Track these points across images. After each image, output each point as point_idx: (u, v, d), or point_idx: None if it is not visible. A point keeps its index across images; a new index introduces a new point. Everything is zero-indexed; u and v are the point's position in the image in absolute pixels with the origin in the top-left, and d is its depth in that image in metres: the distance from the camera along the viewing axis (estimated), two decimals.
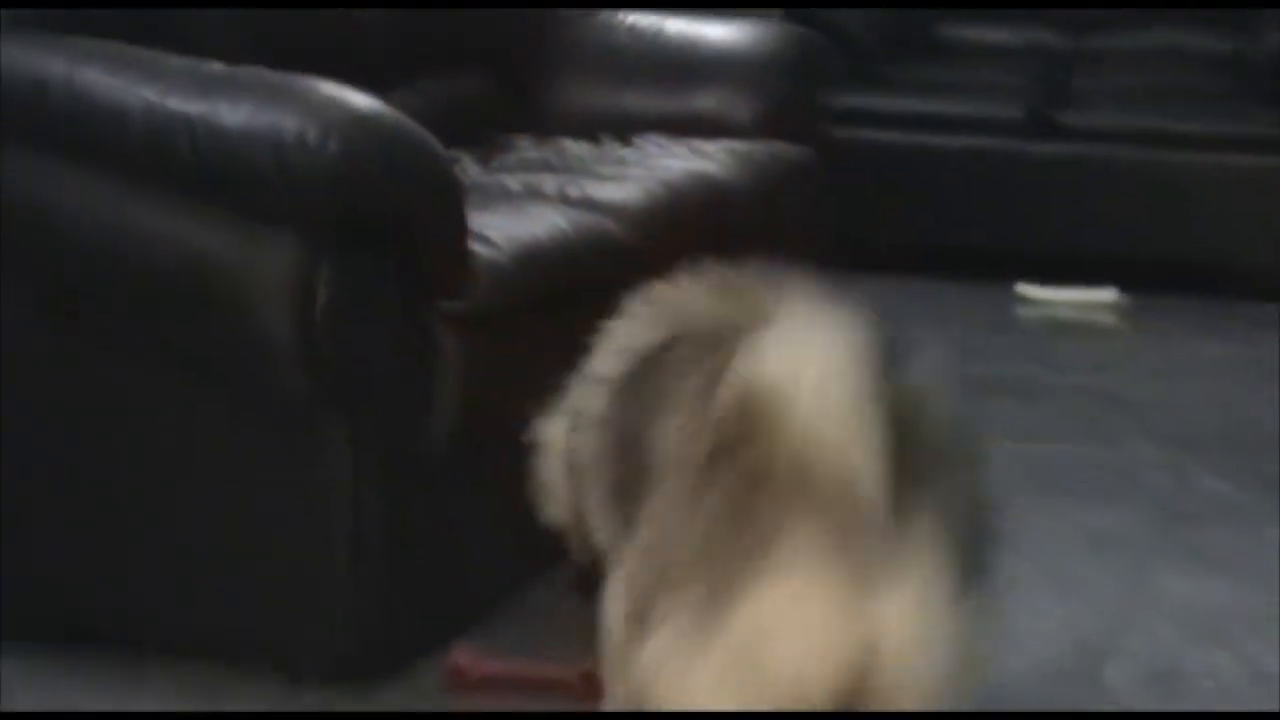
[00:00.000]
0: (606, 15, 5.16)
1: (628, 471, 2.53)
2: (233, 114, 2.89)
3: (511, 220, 3.41)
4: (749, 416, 2.30)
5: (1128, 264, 6.45)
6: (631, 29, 5.04)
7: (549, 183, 3.91)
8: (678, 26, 5.06)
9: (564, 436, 2.76)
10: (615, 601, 2.46)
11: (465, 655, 3.00)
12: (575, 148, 4.45)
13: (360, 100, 2.97)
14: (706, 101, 4.85)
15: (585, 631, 2.63)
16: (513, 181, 3.93)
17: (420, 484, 3.05)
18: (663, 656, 2.32)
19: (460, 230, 3.13)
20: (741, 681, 2.25)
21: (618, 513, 2.53)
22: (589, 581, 2.77)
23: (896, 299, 6.14)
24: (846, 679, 2.22)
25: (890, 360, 2.30)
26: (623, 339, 2.72)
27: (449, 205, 3.11)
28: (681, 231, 3.83)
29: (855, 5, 7.36)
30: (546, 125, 4.69)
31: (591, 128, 4.63)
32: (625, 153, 4.41)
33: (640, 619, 2.35)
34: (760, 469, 2.29)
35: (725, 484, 2.31)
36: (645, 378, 2.60)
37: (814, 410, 2.28)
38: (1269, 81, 6.64)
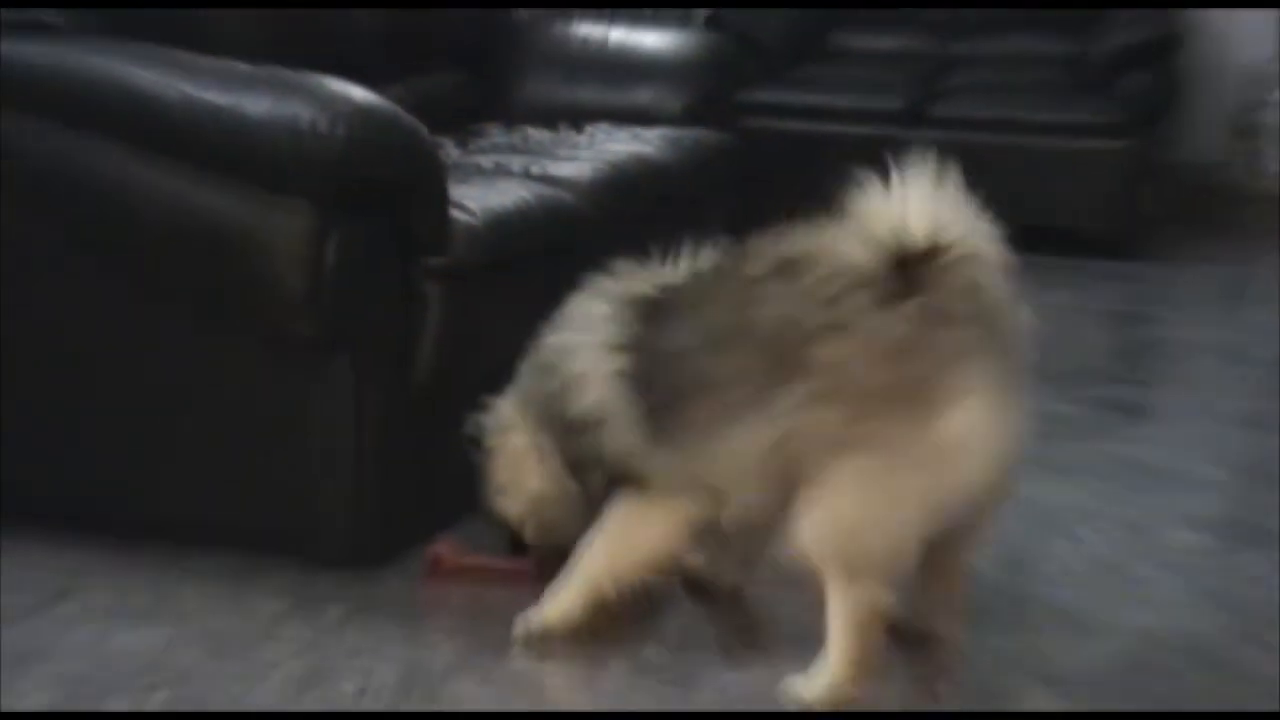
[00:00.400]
0: (562, 26, 5.16)
1: (667, 389, 2.59)
2: (256, 105, 2.89)
3: (484, 192, 3.41)
4: (926, 265, 2.46)
5: None
6: (583, 37, 5.04)
7: (515, 162, 3.91)
8: (620, 34, 5.07)
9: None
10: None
11: (444, 548, 3.02)
12: (537, 134, 4.45)
13: (362, 94, 2.98)
14: (644, 96, 4.86)
15: None
16: (486, 161, 3.93)
17: (409, 408, 3.06)
18: (856, 476, 2.45)
19: (443, 200, 3.14)
20: (934, 488, 2.44)
21: (658, 426, 2.60)
22: (521, 545, 2.95)
23: None
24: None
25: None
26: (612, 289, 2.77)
27: (434, 180, 3.12)
28: (624, 201, 3.85)
29: (766, 5, 7.37)
30: (513, 116, 4.68)
31: (550, 117, 4.63)
32: (578, 138, 4.41)
33: (800, 459, 2.47)
34: (939, 310, 2.45)
35: (909, 325, 2.44)
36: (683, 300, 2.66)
37: (979, 256, 2.52)
38: (1102, 78, 6.66)
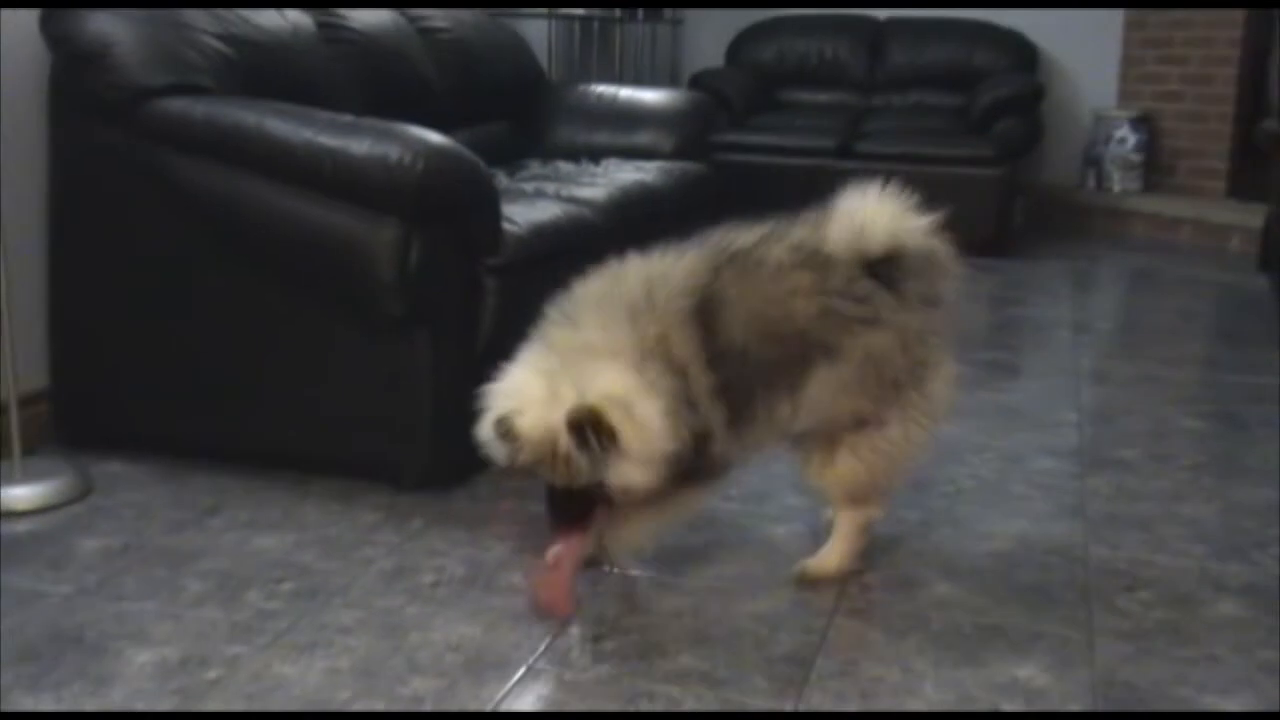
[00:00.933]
0: (583, 87, 5.15)
1: (739, 385, 2.32)
2: (359, 146, 2.86)
3: (527, 209, 3.40)
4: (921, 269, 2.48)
5: None
6: (599, 94, 5.03)
7: (549, 187, 3.88)
8: (626, 93, 5.06)
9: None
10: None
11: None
12: (565, 166, 4.42)
13: (436, 137, 2.95)
14: (644, 138, 4.84)
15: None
16: (528, 187, 3.91)
17: (473, 368, 3.01)
18: (870, 445, 2.47)
19: (497, 215, 3.13)
20: (920, 442, 2.51)
21: (737, 418, 2.34)
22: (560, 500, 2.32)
23: None
24: None
25: None
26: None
27: (490, 200, 3.11)
28: (628, 215, 3.84)
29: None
30: (548, 153, 4.66)
31: (575, 154, 4.61)
32: (595, 169, 4.38)
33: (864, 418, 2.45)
34: (927, 297, 2.50)
35: (919, 316, 2.47)
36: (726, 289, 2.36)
37: (933, 252, 2.54)
38: (983, 123, 6.62)
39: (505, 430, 2.26)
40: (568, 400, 2.21)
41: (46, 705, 2.07)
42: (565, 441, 2.20)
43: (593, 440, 2.18)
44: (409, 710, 2.09)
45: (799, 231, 2.48)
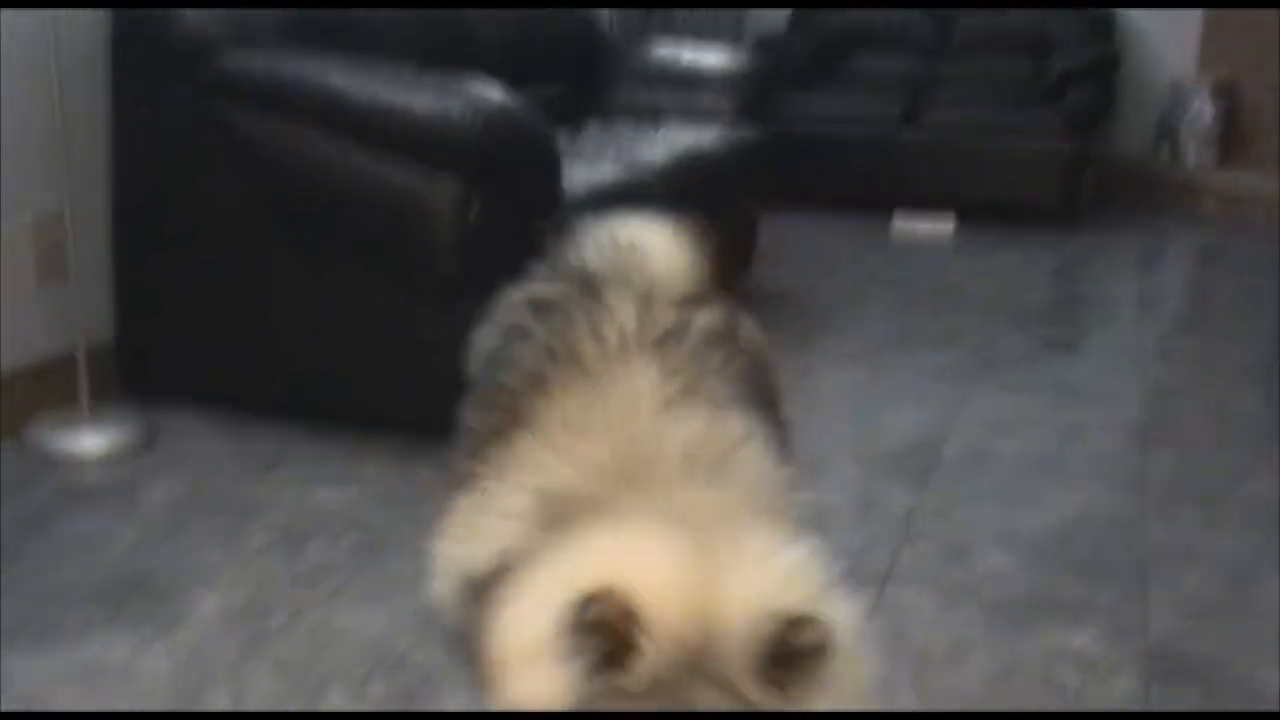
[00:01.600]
0: (645, 47, 5.20)
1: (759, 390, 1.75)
2: (420, 101, 2.93)
3: (586, 171, 3.48)
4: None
5: (960, 203, 6.46)
6: (660, 54, 5.08)
7: (609, 150, 3.96)
8: (689, 54, 5.10)
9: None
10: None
11: None
12: (624, 128, 4.48)
13: (498, 95, 3.02)
14: (704, 101, 4.87)
15: None
16: (587, 148, 3.98)
17: None
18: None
19: (557, 176, 3.20)
20: None
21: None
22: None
23: (820, 228, 6.20)
24: None
25: None
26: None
27: (550, 160, 3.18)
28: (687, 180, 3.91)
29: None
30: (608, 115, 4.72)
31: (635, 116, 4.66)
32: (655, 133, 4.45)
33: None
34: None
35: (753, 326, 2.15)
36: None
37: None
38: (1055, 91, 6.63)
39: (616, 617, 1.11)
40: (745, 585, 1.18)
41: (119, 645, 2.19)
42: (745, 659, 1.12)
43: (799, 669, 1.13)
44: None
45: (622, 305, 1.70)
